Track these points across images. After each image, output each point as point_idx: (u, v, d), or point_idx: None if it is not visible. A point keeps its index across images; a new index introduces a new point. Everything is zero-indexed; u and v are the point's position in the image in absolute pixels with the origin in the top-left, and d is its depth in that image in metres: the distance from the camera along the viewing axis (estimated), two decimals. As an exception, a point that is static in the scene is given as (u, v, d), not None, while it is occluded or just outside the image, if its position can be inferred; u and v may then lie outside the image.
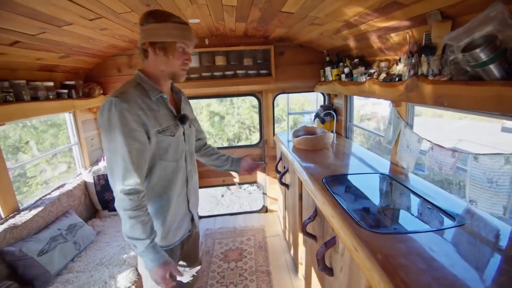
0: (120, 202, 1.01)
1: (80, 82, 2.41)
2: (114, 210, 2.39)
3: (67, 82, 2.27)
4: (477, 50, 0.92)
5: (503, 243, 1.03)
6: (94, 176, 2.39)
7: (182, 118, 1.18)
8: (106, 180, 2.42)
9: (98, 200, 2.37)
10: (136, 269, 1.68)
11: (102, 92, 2.62)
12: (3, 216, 1.75)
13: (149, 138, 1.08)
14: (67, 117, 2.51)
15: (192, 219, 1.35)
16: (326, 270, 1.34)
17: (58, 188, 2.19)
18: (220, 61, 2.69)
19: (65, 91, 2.17)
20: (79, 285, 1.56)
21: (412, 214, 1.27)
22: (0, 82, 1.65)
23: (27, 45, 1.61)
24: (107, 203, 2.39)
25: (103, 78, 2.64)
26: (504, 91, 0.89)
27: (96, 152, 2.82)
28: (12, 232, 1.63)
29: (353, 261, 1.11)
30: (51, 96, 2.02)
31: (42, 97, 1.92)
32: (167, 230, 1.22)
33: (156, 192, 1.17)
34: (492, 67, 0.93)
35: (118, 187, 1.01)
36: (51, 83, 2.04)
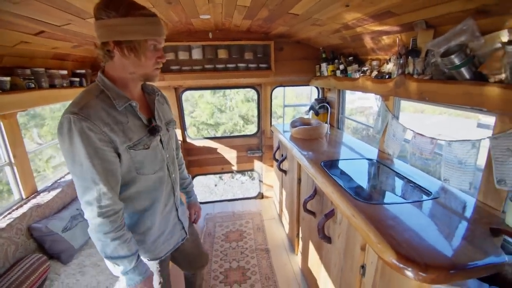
0: (99, 226, 0.92)
1: (88, 71, 2.49)
2: (123, 193, 2.53)
3: (78, 71, 2.35)
4: (452, 56, 1.16)
5: (468, 210, 1.31)
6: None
7: (152, 130, 1.04)
8: (115, 166, 2.54)
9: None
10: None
11: (108, 81, 2.71)
12: (24, 197, 1.86)
13: (119, 155, 0.96)
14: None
15: (183, 227, 1.32)
16: (325, 238, 1.58)
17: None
18: (222, 54, 2.84)
19: (77, 79, 2.26)
20: (100, 258, 1.72)
21: (397, 191, 1.52)
22: (22, 69, 1.75)
23: (50, 35, 1.70)
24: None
25: (109, 68, 2.73)
26: (472, 89, 1.14)
27: (101, 139, 2.92)
28: (36, 211, 1.76)
29: (350, 227, 1.35)
30: (64, 84, 2.12)
31: (58, 85, 2.02)
32: (155, 244, 1.18)
33: (139, 208, 1.10)
34: (463, 70, 1.17)
35: (94, 212, 0.91)
36: (64, 72, 2.13)
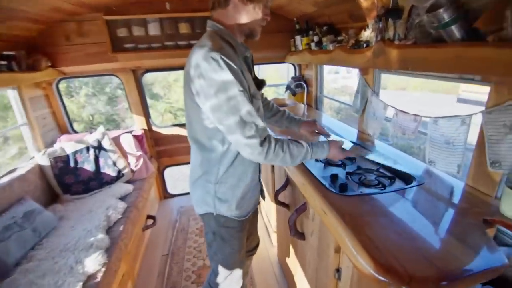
0: (264, 149, 0.97)
1: (22, 52, 2.10)
2: (77, 193, 2.24)
3: (6, 53, 1.96)
4: (441, 10, 0.92)
5: (457, 198, 1.13)
6: (50, 159, 2.18)
7: (260, 83, 1.11)
8: (65, 162, 2.23)
9: (57, 183, 2.19)
10: (105, 251, 1.61)
11: (50, 64, 2.32)
12: None
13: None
14: (11, 94, 2.22)
15: (262, 190, 1.34)
16: (298, 235, 1.39)
17: (8, 173, 1.98)
18: (184, 28, 2.49)
19: (4, 62, 1.89)
20: (41, 274, 1.46)
21: (377, 178, 1.33)
22: None
23: None
24: (69, 186, 2.22)
25: (50, 48, 2.33)
26: (463, 52, 0.91)
27: (51, 132, 2.56)
28: (-45, 224, 1.46)
29: (323, 225, 1.15)
30: (-15, 69, 1.75)
31: (-27, 70, 1.65)
32: (241, 198, 1.19)
33: (240, 158, 1.12)
34: (453, 28, 0.94)
35: (255, 141, 0.95)
36: (-18, 53, 1.75)
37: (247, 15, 1.00)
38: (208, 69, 0.90)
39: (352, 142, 1.75)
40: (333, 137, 1.51)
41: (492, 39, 0.84)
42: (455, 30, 0.94)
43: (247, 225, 1.34)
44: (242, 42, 1.12)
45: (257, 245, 1.64)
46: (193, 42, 2.54)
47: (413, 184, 1.23)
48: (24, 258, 1.60)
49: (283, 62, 2.90)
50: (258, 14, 1.00)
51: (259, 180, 1.30)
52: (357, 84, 1.93)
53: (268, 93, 7.76)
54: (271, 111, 1.50)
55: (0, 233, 1.55)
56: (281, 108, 1.51)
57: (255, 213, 1.49)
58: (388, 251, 0.82)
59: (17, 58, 2.03)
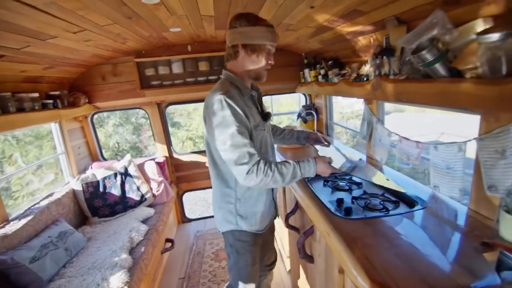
0: (253, 174, 1.12)
1: (65, 92, 2.44)
2: (104, 216, 2.43)
3: (52, 93, 2.30)
4: (423, 52, 1.05)
5: (459, 221, 1.16)
6: (82, 184, 2.42)
7: (265, 116, 1.31)
8: (95, 187, 2.45)
9: (87, 207, 2.40)
10: (128, 271, 1.73)
11: (87, 101, 2.65)
12: (-8, 227, 1.77)
13: (251, 131, 1.20)
14: (53, 127, 2.54)
15: (275, 207, 1.48)
16: (307, 257, 1.44)
17: (47, 197, 2.22)
18: (203, 66, 2.78)
19: (51, 101, 2.21)
20: (72, 290, 1.61)
21: (382, 202, 1.38)
22: (-16, 95, 1.69)
23: (12, 59, 1.65)
24: (97, 209, 2.42)
25: (88, 87, 2.68)
26: (447, 87, 1.02)
27: (84, 160, 2.84)
28: (3, 241, 1.66)
29: (328, 247, 1.22)
30: (36, 107, 2.06)
31: (28, 108, 1.96)
32: (259, 215, 1.35)
33: None
34: (437, 66, 1.06)
35: (245, 168, 1.12)
36: (36, 94, 2.07)
37: (253, 64, 1.22)
38: (216, 107, 1.13)
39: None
40: (330, 150, 1.66)
41: (470, 76, 0.95)
42: (439, 68, 1.06)
43: (260, 240, 1.45)
44: (253, 83, 1.36)
45: (275, 260, 1.72)
46: (211, 78, 2.81)
47: (416, 208, 1.28)
48: (56, 275, 1.75)
49: (294, 92, 3.09)
50: (262, 61, 1.22)
51: (273, 198, 1.44)
52: (363, 113, 2.04)
53: (283, 119, 7.98)
54: (281, 133, 1.72)
55: (39, 251, 1.73)
56: (290, 127, 1.74)
57: (271, 230, 1.61)
58: (385, 271, 0.89)
59: (61, 97, 2.36)
